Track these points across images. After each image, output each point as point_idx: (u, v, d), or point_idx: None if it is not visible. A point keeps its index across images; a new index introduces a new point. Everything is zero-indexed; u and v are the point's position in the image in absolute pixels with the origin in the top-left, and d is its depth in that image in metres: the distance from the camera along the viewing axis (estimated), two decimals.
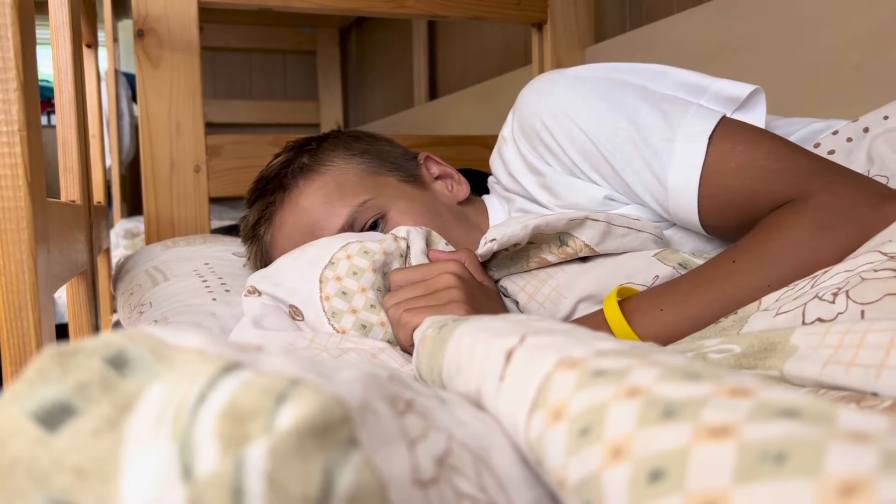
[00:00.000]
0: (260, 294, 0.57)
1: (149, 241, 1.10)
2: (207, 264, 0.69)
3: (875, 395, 0.32)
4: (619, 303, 0.53)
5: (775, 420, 0.18)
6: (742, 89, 0.63)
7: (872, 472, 0.16)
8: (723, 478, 0.17)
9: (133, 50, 1.11)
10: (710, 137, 0.57)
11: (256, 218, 0.69)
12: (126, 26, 3.17)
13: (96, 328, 0.87)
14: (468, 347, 0.30)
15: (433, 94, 2.50)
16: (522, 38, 1.88)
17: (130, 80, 2.59)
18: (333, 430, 0.18)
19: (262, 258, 0.70)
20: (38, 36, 0.50)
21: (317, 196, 0.66)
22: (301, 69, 3.51)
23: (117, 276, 0.80)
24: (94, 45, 1.23)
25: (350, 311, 0.55)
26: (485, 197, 0.77)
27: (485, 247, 0.61)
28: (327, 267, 0.58)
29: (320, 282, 0.57)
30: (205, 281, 0.63)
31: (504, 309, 0.60)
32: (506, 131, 0.69)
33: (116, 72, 2.41)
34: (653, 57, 1.25)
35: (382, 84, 3.09)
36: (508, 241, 0.59)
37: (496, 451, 0.25)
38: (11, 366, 0.41)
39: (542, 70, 1.40)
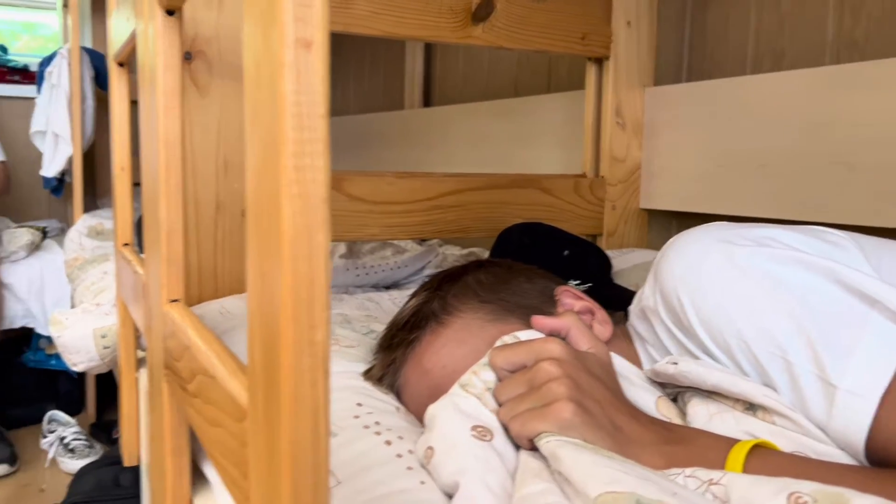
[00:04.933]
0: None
1: (192, 298, 0.96)
2: (361, 405, 0.58)
3: None
4: (755, 447, 0.48)
5: None
6: None
7: None
8: None
9: (91, 29, 0.95)
10: (884, 394, 0.47)
11: (381, 374, 0.66)
12: None
13: None
14: None
15: (427, 99, 2.37)
16: (544, 59, 1.78)
17: (93, 57, 2.34)
18: None
19: None
20: None
21: (438, 357, 0.62)
22: None
23: None
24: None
25: None
26: (629, 325, 0.68)
27: (663, 366, 0.57)
28: (466, 388, 0.55)
29: (479, 399, 0.54)
30: (388, 442, 0.52)
31: (617, 386, 0.56)
32: (650, 302, 0.61)
33: (80, 49, 2.17)
34: (719, 112, 1.18)
35: (360, 75, 2.93)
36: (690, 380, 0.55)
37: None
38: None
39: (599, 105, 1.31)
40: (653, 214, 1.37)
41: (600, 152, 1.32)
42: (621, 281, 1.08)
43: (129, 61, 0.98)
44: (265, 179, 0.31)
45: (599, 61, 1.31)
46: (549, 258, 1.09)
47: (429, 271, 1.37)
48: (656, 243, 1.39)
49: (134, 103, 0.81)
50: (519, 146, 1.74)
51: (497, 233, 1.10)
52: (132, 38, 0.80)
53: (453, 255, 1.47)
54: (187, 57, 0.95)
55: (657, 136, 1.30)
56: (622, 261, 1.15)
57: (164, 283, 0.62)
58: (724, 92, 1.19)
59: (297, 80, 0.29)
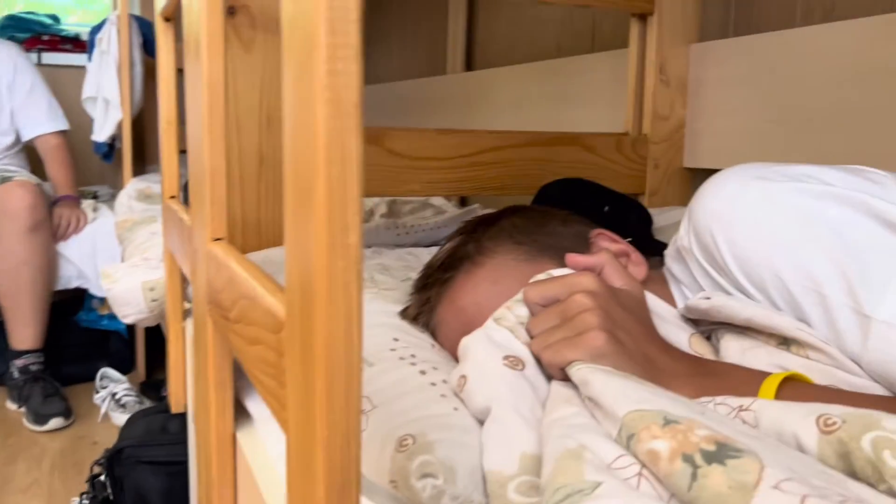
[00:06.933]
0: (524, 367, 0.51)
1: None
2: (398, 339, 0.59)
3: None
4: (787, 379, 0.48)
5: None
6: None
7: None
8: None
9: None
10: None
11: (416, 312, 0.68)
12: None
13: None
14: None
15: (469, 63, 2.36)
16: (588, 18, 1.75)
17: (141, 24, 2.38)
18: None
19: None
20: None
21: (472, 295, 0.63)
22: None
23: None
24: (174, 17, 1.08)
25: None
26: (664, 269, 0.68)
27: (696, 301, 0.57)
28: (499, 322, 0.55)
29: (511, 331, 0.54)
30: (422, 372, 0.53)
31: (649, 322, 0.56)
32: (684, 241, 0.61)
33: (129, 17, 2.21)
34: (766, 67, 1.15)
35: (403, 41, 2.93)
36: (723, 315, 0.55)
37: None
38: None
39: (642, 62, 1.29)
40: (696, 173, 1.35)
41: (643, 110, 1.30)
42: (662, 238, 1.07)
43: (174, 17, 1.00)
44: (300, 86, 0.32)
45: (643, 17, 1.28)
46: (590, 214, 1.09)
47: None
48: None
49: (180, 71, 0.82)
50: (563, 108, 1.72)
51: (537, 191, 1.10)
52: None
53: None
54: (230, 11, 0.97)
55: (702, 93, 1.28)
56: (663, 218, 1.14)
57: (208, 223, 0.64)
58: (772, 46, 1.16)
59: None
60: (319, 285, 0.31)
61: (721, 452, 0.35)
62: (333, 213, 0.30)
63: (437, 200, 1.77)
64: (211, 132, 0.62)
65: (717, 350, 0.57)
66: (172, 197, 1.04)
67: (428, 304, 0.66)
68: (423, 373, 0.54)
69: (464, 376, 0.50)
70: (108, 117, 2.19)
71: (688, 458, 0.35)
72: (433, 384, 0.53)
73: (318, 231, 0.31)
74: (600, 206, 1.10)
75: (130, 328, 2.36)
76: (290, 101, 0.33)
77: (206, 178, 0.63)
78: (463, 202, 2.04)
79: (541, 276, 0.58)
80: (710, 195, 0.57)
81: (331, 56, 0.30)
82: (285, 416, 0.37)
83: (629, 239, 0.89)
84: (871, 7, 1.09)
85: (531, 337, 0.53)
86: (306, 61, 0.31)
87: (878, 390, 0.49)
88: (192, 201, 0.72)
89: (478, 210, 1.62)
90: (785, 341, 0.53)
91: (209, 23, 0.62)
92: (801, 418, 0.38)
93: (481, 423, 0.48)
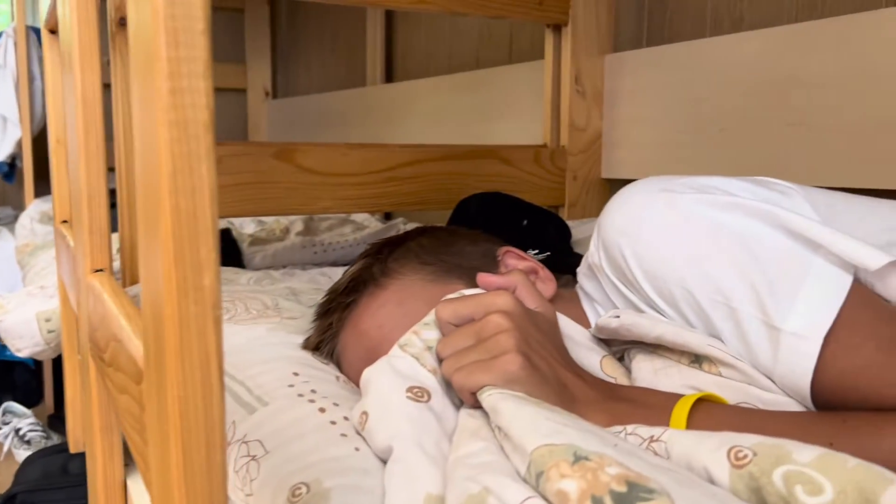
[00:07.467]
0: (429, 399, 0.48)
1: (127, 280, 0.92)
2: (297, 374, 0.55)
3: None
4: (699, 401, 0.47)
5: None
6: (874, 259, 0.46)
7: None
8: None
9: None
10: (827, 335, 0.46)
11: (318, 340, 0.63)
12: None
13: None
14: None
15: (389, 75, 2.32)
16: (505, 29, 1.75)
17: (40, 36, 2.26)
18: None
19: None
20: None
21: (376, 318, 0.59)
22: (228, 28, 3.22)
23: None
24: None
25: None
26: (578, 287, 0.66)
27: (605, 320, 0.55)
28: (404, 348, 0.51)
29: (417, 359, 0.50)
30: (322, 410, 0.49)
31: (562, 345, 0.54)
32: (595, 258, 0.59)
33: (27, 28, 2.09)
34: (678, 77, 1.16)
35: (321, 53, 2.87)
36: (633, 333, 0.53)
37: None
38: None
39: (558, 73, 1.28)
40: (614, 184, 1.35)
41: (560, 121, 1.29)
42: (581, 250, 1.06)
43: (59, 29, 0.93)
44: (144, 107, 0.28)
45: (558, 28, 1.28)
46: (508, 228, 1.07)
47: None
48: None
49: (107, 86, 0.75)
50: (484, 119, 1.71)
51: (456, 205, 1.07)
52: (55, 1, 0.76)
53: None
54: (122, 23, 0.91)
55: (617, 104, 1.28)
56: (582, 230, 1.13)
57: (87, 253, 0.59)
58: (683, 56, 1.17)
59: None
60: (170, 333, 0.27)
61: (632, 494, 0.32)
62: (183, 250, 0.26)
63: (359, 216, 1.73)
64: (87, 152, 0.57)
65: (629, 371, 0.55)
66: (64, 221, 0.97)
67: (330, 330, 0.62)
68: (322, 410, 0.50)
69: (365, 413, 0.47)
70: (6, 135, 2.07)
71: (597, 501, 0.32)
72: (333, 422, 0.49)
73: (167, 271, 0.27)
74: (519, 219, 1.08)
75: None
76: (137, 124, 0.29)
77: (84, 203, 0.58)
78: (388, 217, 2.01)
79: (453, 296, 0.55)
80: (616, 210, 0.55)
81: (174, 72, 0.26)
82: (149, 478, 0.33)
83: (547, 253, 0.87)
84: (777, 18, 1.11)
85: (441, 359, 0.50)
86: (148, 78, 0.27)
87: (792, 405, 0.48)
88: (74, 228, 0.66)
89: (400, 224, 1.58)
90: (697, 359, 0.51)
91: (82, 34, 0.57)
92: (711, 451, 0.36)
93: (385, 462, 0.45)
